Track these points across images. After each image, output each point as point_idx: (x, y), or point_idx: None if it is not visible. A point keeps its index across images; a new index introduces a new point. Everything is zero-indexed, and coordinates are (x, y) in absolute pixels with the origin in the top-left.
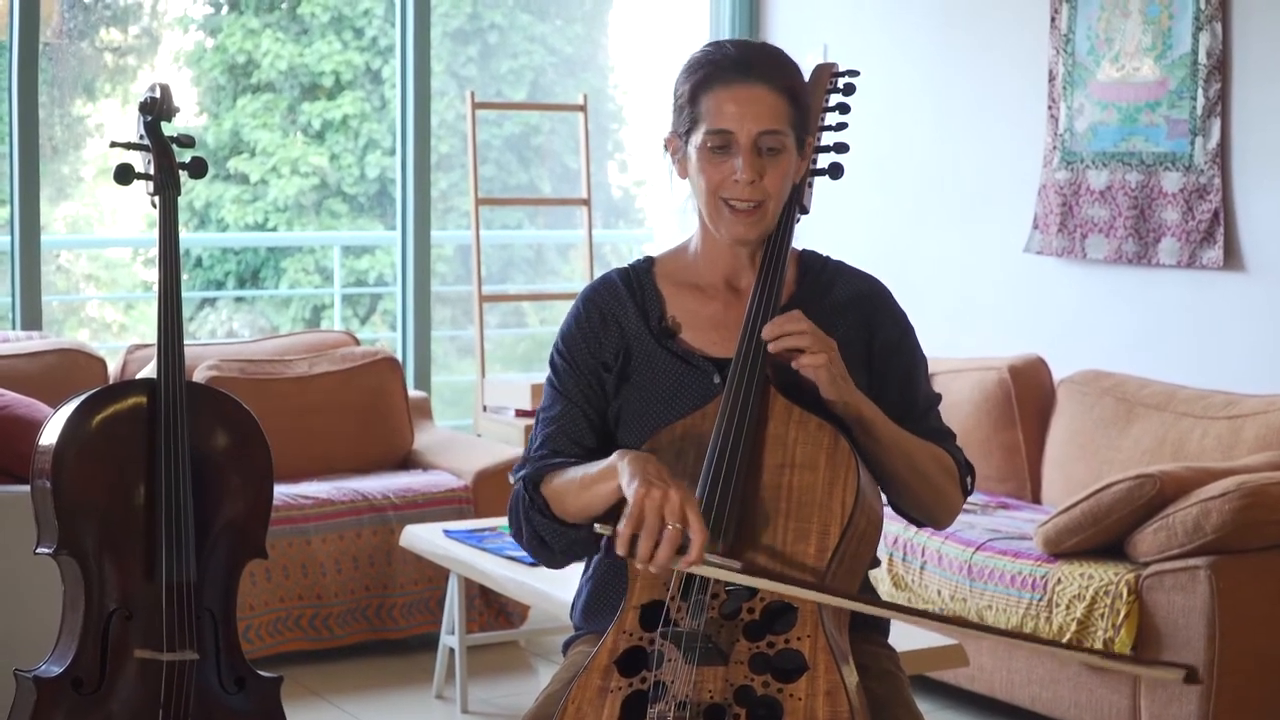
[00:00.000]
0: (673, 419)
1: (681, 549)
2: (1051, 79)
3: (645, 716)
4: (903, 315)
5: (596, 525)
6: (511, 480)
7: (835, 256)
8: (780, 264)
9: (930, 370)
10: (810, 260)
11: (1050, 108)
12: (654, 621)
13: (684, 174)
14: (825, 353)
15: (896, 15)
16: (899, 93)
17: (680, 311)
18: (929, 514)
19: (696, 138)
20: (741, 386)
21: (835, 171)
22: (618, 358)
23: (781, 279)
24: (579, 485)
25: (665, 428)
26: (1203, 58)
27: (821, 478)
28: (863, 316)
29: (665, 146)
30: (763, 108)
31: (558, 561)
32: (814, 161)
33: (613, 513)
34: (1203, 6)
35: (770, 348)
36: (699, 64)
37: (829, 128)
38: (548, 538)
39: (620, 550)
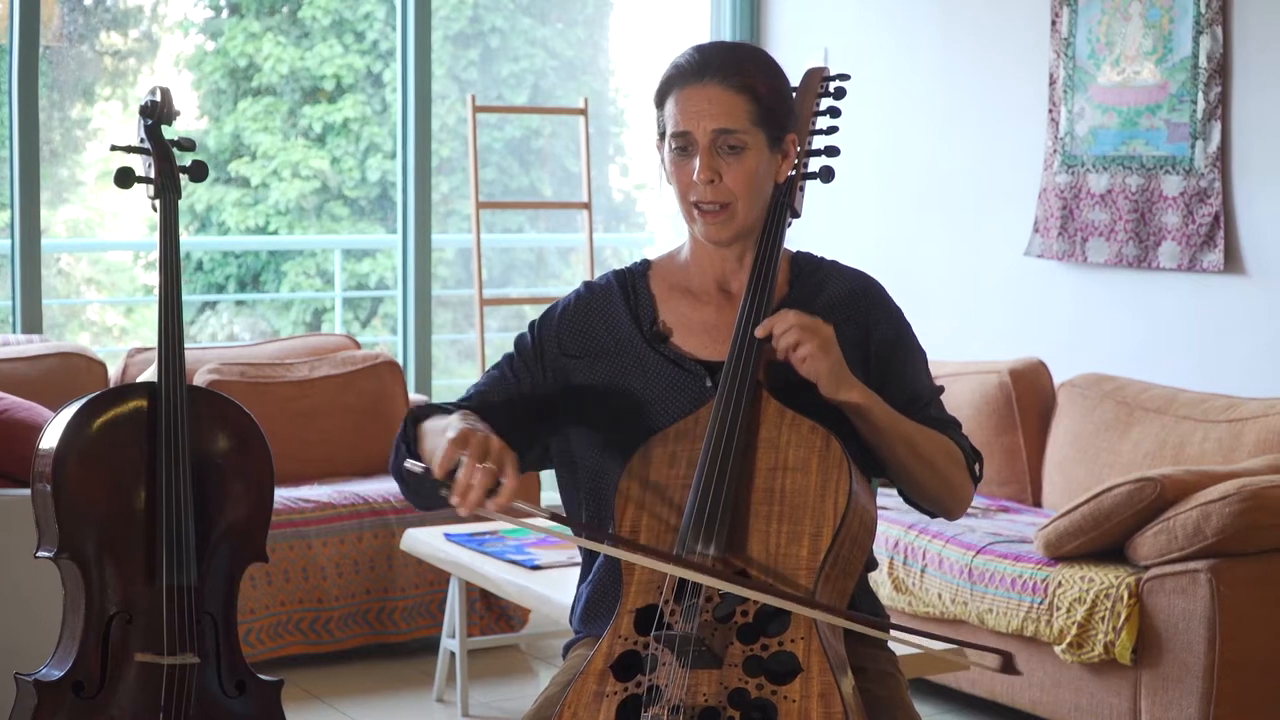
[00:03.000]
0: (665, 423)
1: (493, 494)
2: (1052, 82)
3: None
4: (897, 310)
5: (408, 461)
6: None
7: (829, 257)
8: (771, 266)
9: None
10: (803, 261)
11: (1051, 111)
12: (649, 625)
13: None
14: (818, 341)
15: (897, 18)
16: (900, 96)
17: (672, 315)
18: (940, 503)
19: (665, 142)
20: (733, 390)
21: (826, 175)
22: (592, 355)
23: (773, 281)
24: (438, 429)
25: (658, 434)
26: (1203, 61)
27: (814, 480)
28: (857, 315)
29: (657, 150)
30: (718, 107)
31: (414, 500)
32: (805, 165)
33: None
34: (1203, 10)
35: (774, 351)
36: (666, 69)
37: (820, 131)
38: (403, 472)
39: (439, 471)
